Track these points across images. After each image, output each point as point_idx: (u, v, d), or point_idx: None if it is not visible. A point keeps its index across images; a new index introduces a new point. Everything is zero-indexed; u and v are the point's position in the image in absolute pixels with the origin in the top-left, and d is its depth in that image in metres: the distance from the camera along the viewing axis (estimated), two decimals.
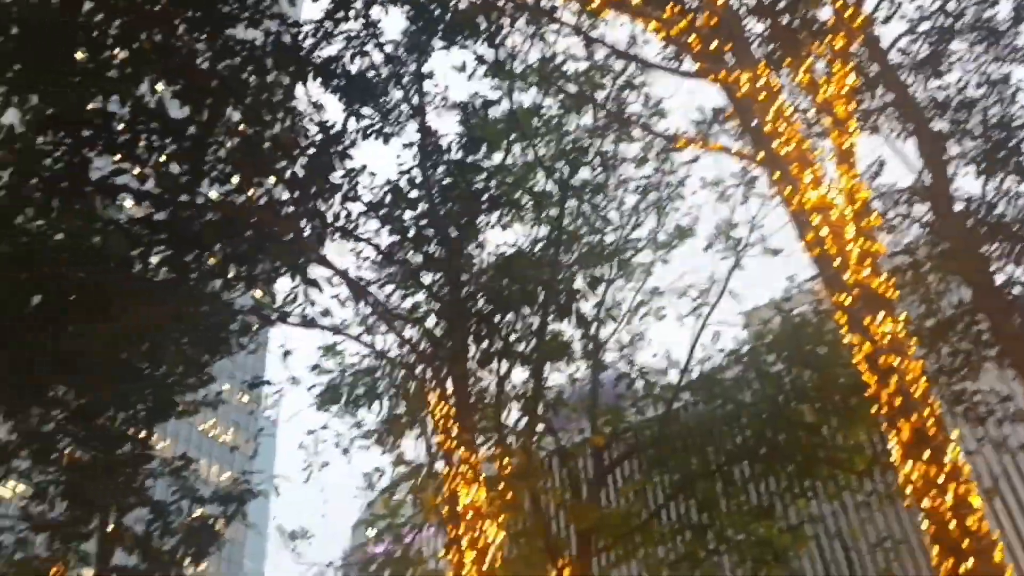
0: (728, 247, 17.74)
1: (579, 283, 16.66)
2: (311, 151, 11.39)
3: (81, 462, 12.91)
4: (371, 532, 20.57)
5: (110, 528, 14.47)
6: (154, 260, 10.59)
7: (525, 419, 15.91)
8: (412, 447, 17.48)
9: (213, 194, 10.92)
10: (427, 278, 13.98)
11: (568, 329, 16.59)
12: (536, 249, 16.01)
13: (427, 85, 13.52)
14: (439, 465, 15.59)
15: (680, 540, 18.21)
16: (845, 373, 14.14)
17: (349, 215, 12.21)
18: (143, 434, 13.44)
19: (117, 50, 9.67)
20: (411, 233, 13.03)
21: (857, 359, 8.30)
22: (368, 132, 12.39)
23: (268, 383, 15.76)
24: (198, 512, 15.43)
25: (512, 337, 14.34)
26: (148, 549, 14.76)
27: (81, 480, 12.99)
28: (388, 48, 12.80)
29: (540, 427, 16.64)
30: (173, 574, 14.92)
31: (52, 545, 14.13)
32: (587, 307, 17.17)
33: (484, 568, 10.41)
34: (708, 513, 17.53)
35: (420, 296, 14.61)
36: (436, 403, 12.20)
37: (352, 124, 11.97)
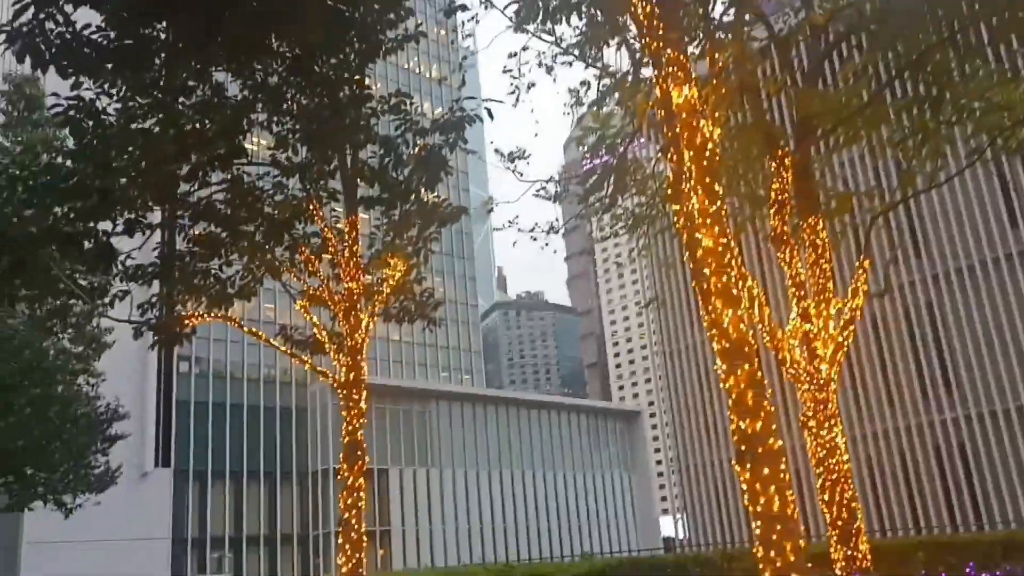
0: None
1: None
2: None
3: (310, 108, 13.76)
4: (584, 147, 21.03)
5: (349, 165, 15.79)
6: None
7: (733, 10, 14.90)
8: (615, 56, 17.07)
9: None
10: None
11: None
12: None
13: None
14: (646, 71, 15.23)
15: (907, 118, 17.24)
16: None
17: None
18: (357, 76, 13.91)
19: None
20: None
21: None
22: None
23: (463, 7, 15.53)
24: (421, 143, 16.30)
25: None
26: (385, 180, 16.07)
27: (313, 125, 13.96)
28: None
29: (750, 16, 15.58)
30: (412, 200, 16.30)
31: (304, 186, 15.73)
32: None
33: (704, 165, 10.43)
34: (939, 86, 16.20)
35: None
36: (637, 3, 11.56)
37: None
